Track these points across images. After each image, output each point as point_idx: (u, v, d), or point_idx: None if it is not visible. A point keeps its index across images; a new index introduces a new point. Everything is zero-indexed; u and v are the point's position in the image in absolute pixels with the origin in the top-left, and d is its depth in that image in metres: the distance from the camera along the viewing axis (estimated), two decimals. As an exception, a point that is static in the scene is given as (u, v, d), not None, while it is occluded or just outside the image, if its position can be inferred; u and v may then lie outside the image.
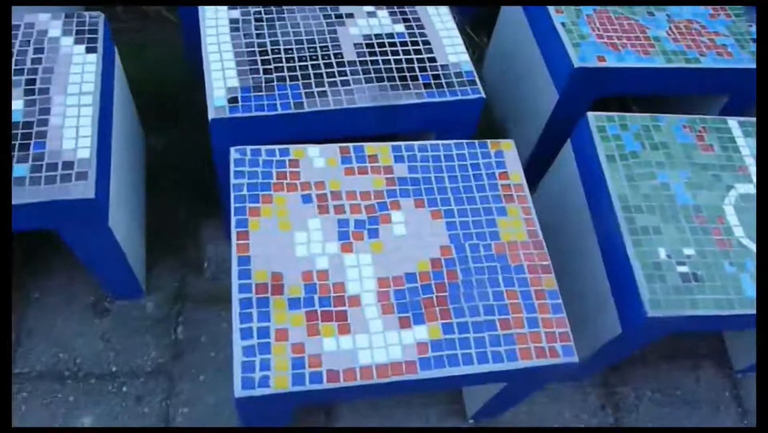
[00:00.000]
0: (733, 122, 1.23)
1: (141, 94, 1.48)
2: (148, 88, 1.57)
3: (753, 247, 1.08)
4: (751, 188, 1.15)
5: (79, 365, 1.25)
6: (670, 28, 1.35)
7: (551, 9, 1.34)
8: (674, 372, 1.39)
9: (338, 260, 0.96)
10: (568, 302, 1.24)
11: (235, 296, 0.91)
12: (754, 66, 1.32)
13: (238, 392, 0.85)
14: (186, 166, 1.50)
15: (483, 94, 1.16)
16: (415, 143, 1.09)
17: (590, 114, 1.18)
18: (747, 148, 1.20)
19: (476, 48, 1.76)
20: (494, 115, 1.68)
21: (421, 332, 0.91)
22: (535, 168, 1.45)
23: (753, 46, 1.36)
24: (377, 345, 0.90)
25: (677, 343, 1.42)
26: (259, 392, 0.85)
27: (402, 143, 1.08)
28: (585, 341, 1.21)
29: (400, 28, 1.23)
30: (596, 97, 1.32)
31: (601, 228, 1.13)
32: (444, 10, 1.27)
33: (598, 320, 1.14)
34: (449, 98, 1.15)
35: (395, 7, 1.26)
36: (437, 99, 1.14)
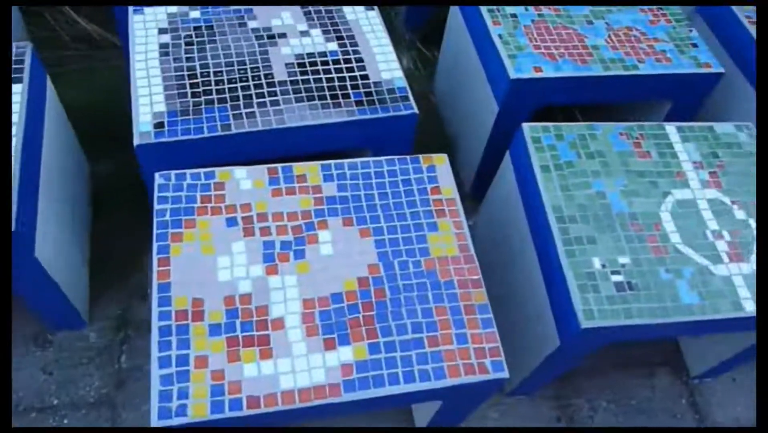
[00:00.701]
0: (671, 128, 1.23)
1: (88, 119, 1.47)
2: (95, 113, 1.56)
3: (690, 252, 1.07)
4: (688, 193, 1.14)
5: (20, 399, 1.22)
6: (609, 36, 1.35)
7: (489, 21, 1.34)
8: (629, 381, 1.38)
9: (262, 282, 0.94)
10: (511, 313, 1.23)
11: (155, 324, 0.90)
12: (694, 71, 1.32)
13: (155, 421, 0.83)
14: (131, 192, 1.48)
15: (415, 110, 1.15)
16: (345, 161, 1.08)
17: (525, 125, 1.18)
18: (685, 153, 1.20)
19: (427, 62, 1.76)
20: (445, 128, 1.68)
21: (346, 354, 0.90)
22: (482, 180, 1.45)
23: (693, 51, 1.36)
24: (300, 369, 0.88)
25: (631, 351, 1.40)
26: (176, 421, 0.83)
27: (332, 162, 1.07)
28: (528, 354, 1.19)
29: (333, 46, 1.22)
30: (536, 108, 1.32)
31: (538, 239, 1.12)
32: (379, 27, 1.27)
33: (538, 332, 1.13)
34: (381, 115, 1.14)
35: (329, 25, 1.26)
36: (369, 116, 1.13)
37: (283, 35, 1.23)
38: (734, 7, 1.48)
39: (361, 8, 1.29)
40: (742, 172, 1.18)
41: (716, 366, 1.36)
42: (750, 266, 1.08)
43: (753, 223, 1.13)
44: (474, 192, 1.54)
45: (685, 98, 1.38)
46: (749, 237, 1.10)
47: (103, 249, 1.41)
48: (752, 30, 1.44)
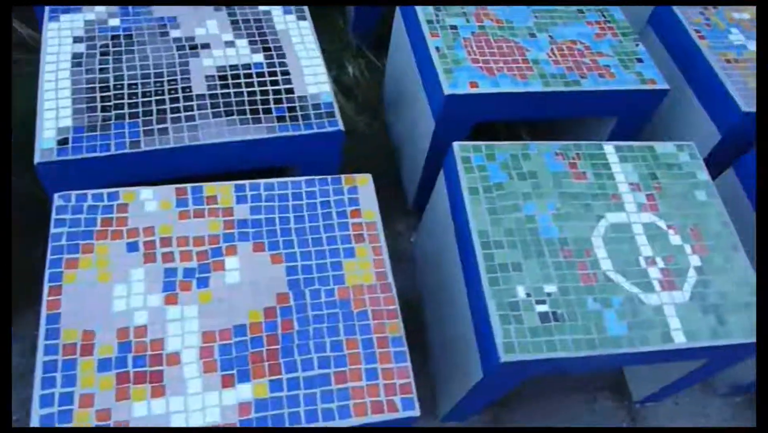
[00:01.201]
0: (609, 147, 1.18)
1: (25, 127, 1.40)
2: (14, 126, 1.49)
3: (620, 280, 1.03)
4: (623, 217, 1.10)
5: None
6: (552, 50, 1.31)
7: (427, 32, 1.29)
8: (570, 405, 1.33)
9: (160, 313, 0.88)
10: (445, 338, 1.19)
11: (39, 359, 0.84)
12: (637, 87, 1.28)
13: (31, 467, 0.78)
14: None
15: (341, 127, 1.10)
16: (261, 181, 1.02)
17: (455, 144, 1.13)
18: (622, 175, 1.15)
19: (376, 70, 1.71)
20: (391, 138, 1.63)
21: (245, 391, 0.84)
22: (424, 195, 1.40)
23: (638, 67, 1.31)
24: (194, 408, 0.82)
25: (573, 374, 1.36)
26: (54, 466, 0.78)
27: (246, 182, 1.02)
28: (457, 382, 1.15)
29: (258, 57, 1.17)
30: (476, 123, 1.27)
31: (465, 265, 1.07)
32: (310, 38, 1.21)
33: (465, 362, 1.08)
34: (304, 132, 1.09)
35: (257, 35, 1.20)
36: (290, 133, 1.08)
37: (206, 46, 1.17)
38: (684, 21, 1.44)
39: (292, 17, 1.24)
40: (680, 194, 1.14)
41: (659, 391, 1.32)
42: (683, 295, 1.04)
43: (689, 248, 1.09)
44: (416, 206, 1.49)
45: (631, 114, 1.33)
46: (684, 263, 1.06)
47: (20, 266, 1.35)
48: (700, 44, 1.40)
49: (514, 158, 1.13)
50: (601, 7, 1.42)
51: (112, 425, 0.80)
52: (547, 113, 1.28)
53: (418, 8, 1.33)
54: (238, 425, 0.82)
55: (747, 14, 1.49)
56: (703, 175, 1.18)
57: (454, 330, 1.13)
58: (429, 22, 1.31)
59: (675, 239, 1.09)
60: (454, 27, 1.31)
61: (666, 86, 1.29)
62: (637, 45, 1.35)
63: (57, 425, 0.79)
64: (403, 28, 1.43)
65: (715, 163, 1.38)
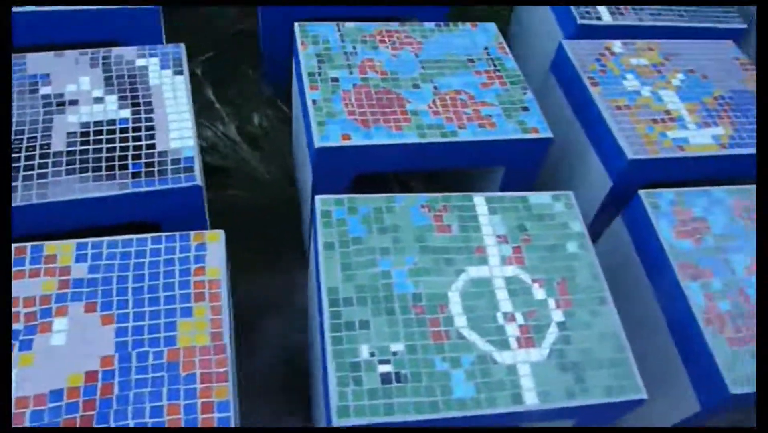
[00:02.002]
0: (479, 199, 1.16)
1: None
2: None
3: (474, 338, 0.99)
4: (485, 271, 1.07)
5: None
6: (434, 101, 1.30)
7: (307, 85, 1.29)
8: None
9: (-28, 379, 0.86)
10: (314, 394, 1.14)
11: None
12: (518, 136, 1.27)
13: None
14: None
15: (198, 182, 1.09)
16: (105, 239, 1.01)
17: (317, 198, 1.11)
18: (490, 227, 1.13)
19: (287, 121, 1.71)
20: (297, 188, 1.62)
21: (50, 462, 0.82)
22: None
23: (522, 115, 1.30)
24: (-10, 480, 0.80)
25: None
26: None
27: (90, 240, 1.00)
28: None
29: (125, 113, 1.17)
30: (354, 176, 1.26)
31: (319, 323, 1.04)
32: (182, 93, 1.21)
33: (319, 421, 1.04)
34: (158, 187, 1.08)
35: (129, 91, 1.21)
36: (143, 189, 1.07)
37: (74, 102, 1.17)
38: (579, 68, 1.44)
39: (168, 72, 1.24)
40: (549, 246, 1.11)
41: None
42: (540, 352, 1.00)
43: (552, 303, 1.05)
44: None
45: (517, 164, 1.32)
46: (545, 319, 1.03)
47: None
48: (592, 91, 1.39)
49: (377, 211, 1.11)
50: (493, 56, 1.42)
51: None
52: (426, 165, 1.27)
53: (303, 60, 1.34)
54: (36, 499, 0.79)
55: (645, 60, 1.49)
56: (577, 225, 1.15)
57: (314, 387, 1.10)
58: (311, 74, 1.31)
59: (539, 293, 1.06)
60: (335, 79, 1.31)
61: (549, 135, 1.28)
62: (524, 93, 1.35)
63: None
64: (295, 80, 1.44)
65: (610, 211, 1.36)
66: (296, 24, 1.41)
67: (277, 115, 1.66)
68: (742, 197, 1.25)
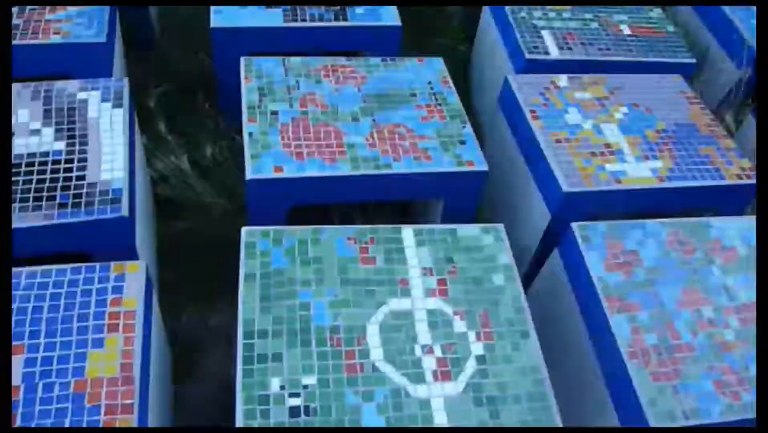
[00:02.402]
0: (407, 231, 1.17)
1: None
2: None
3: (389, 371, 0.99)
4: (406, 303, 1.07)
5: None
6: (372, 134, 1.32)
7: (246, 117, 1.31)
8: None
9: None
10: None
11: None
12: (454, 169, 1.28)
13: None
14: None
15: (125, 213, 1.10)
16: (24, 270, 1.01)
17: (243, 229, 1.12)
18: (415, 259, 1.13)
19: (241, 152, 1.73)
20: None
21: (-59, 494, 0.81)
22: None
23: (459, 149, 1.32)
24: None
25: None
26: None
27: (24, 270, 1.01)
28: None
29: (60, 145, 1.19)
30: (289, 207, 1.27)
31: (233, 355, 1.04)
32: (119, 126, 1.23)
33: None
34: (83, 219, 1.09)
35: (66, 123, 1.23)
36: (68, 220, 1.08)
37: (10, 135, 1.19)
38: (522, 102, 1.45)
39: (108, 105, 1.26)
40: (474, 279, 1.11)
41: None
42: (456, 386, 0.99)
43: (473, 335, 1.05)
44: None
45: (453, 196, 1.33)
46: (464, 352, 1.02)
47: None
48: (533, 124, 1.40)
49: (302, 243, 1.12)
50: (436, 90, 1.44)
51: None
52: (361, 197, 1.28)
53: (245, 93, 1.36)
54: None
55: (590, 94, 1.50)
56: (505, 258, 1.15)
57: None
58: (250, 107, 1.33)
59: (460, 326, 1.06)
60: (274, 112, 1.33)
61: (484, 168, 1.29)
62: (463, 127, 1.36)
63: None
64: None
65: (551, 243, 1.35)
66: (242, 58, 1.44)
67: (230, 147, 1.68)
68: (676, 230, 1.25)
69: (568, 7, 1.75)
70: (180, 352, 1.35)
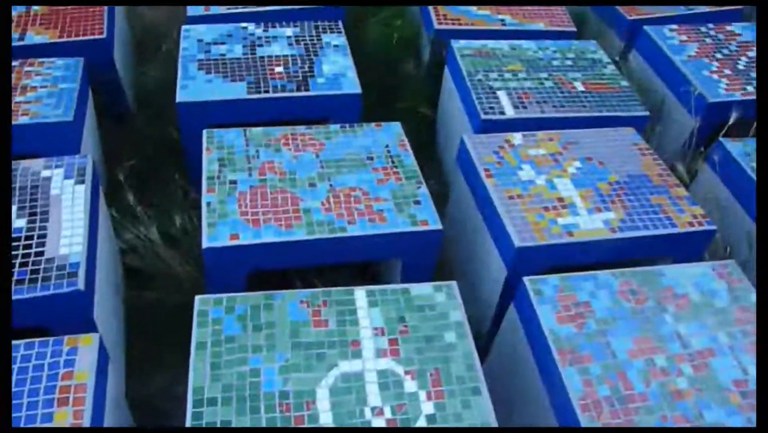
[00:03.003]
0: (360, 292, 1.19)
1: None
2: None
3: (338, 434, 0.99)
4: (357, 365, 1.08)
5: None
6: (328, 198, 1.35)
7: (205, 188, 1.35)
8: None
9: None
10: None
11: None
12: (408, 229, 1.31)
13: None
14: None
15: (80, 286, 1.13)
16: (-21, 347, 1.04)
17: (197, 298, 1.14)
18: (368, 320, 1.15)
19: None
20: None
21: None
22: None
23: (414, 209, 1.35)
24: None
25: None
26: None
27: (-34, 348, 1.03)
28: None
29: (21, 222, 1.22)
30: (246, 274, 1.30)
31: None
32: (80, 201, 1.27)
33: None
34: (38, 294, 1.11)
35: (28, 201, 1.27)
36: (24, 295, 1.11)
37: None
38: (477, 161, 1.50)
39: (70, 182, 1.31)
40: (426, 337, 1.13)
41: None
42: (406, 447, 0.99)
43: (423, 395, 1.05)
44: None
45: (410, 256, 1.35)
46: (415, 412, 1.03)
47: None
48: (487, 182, 1.44)
49: (255, 309, 1.14)
50: (393, 153, 1.48)
51: None
52: (319, 260, 1.30)
53: (205, 164, 1.41)
54: None
55: (543, 150, 1.55)
56: (457, 315, 1.17)
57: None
58: (209, 178, 1.38)
59: (410, 386, 1.06)
60: (233, 182, 1.37)
61: (438, 227, 1.32)
62: (418, 188, 1.40)
63: None
64: (206, 183, 1.51)
65: (509, 298, 1.37)
66: (205, 131, 1.49)
67: (199, 216, 1.72)
68: (628, 280, 1.27)
69: (523, 68, 1.82)
70: (143, 419, 1.35)
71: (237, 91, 1.63)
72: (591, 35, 2.26)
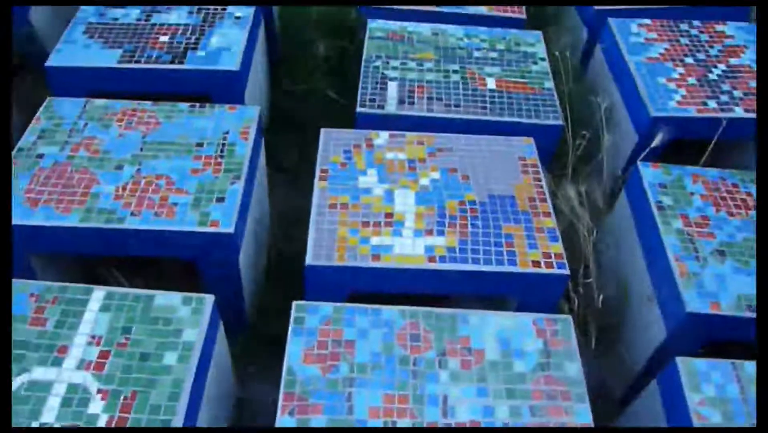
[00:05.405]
0: (98, 293, 1.07)
1: None
2: None
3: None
4: (52, 373, 0.97)
5: None
6: (125, 185, 1.24)
7: (13, 159, 1.29)
8: None
9: None
10: None
11: None
12: (191, 229, 1.17)
13: None
14: None
15: None
16: None
17: None
18: (90, 325, 1.03)
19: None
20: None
21: None
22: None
23: (212, 206, 1.21)
24: None
25: None
26: None
27: None
28: None
29: None
30: (25, 257, 1.22)
31: None
32: None
33: None
34: None
35: None
36: None
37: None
38: (322, 158, 1.32)
39: None
40: (143, 354, 1.00)
41: None
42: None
43: (105, 420, 0.93)
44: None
45: (204, 259, 1.22)
46: None
47: None
48: (318, 186, 1.27)
49: (-20, 296, 1.07)
50: (229, 141, 1.34)
51: None
52: (96, 250, 1.20)
53: (25, 135, 1.34)
54: None
55: (404, 154, 1.33)
56: (192, 334, 1.03)
57: None
58: (20, 149, 1.30)
59: (96, 407, 0.94)
60: (40, 155, 1.29)
61: (229, 230, 1.17)
62: (231, 184, 1.25)
63: None
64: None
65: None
66: (48, 98, 1.43)
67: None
68: (417, 321, 1.06)
69: (434, 57, 1.60)
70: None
71: (108, 59, 1.55)
72: (564, 26, 1.96)
